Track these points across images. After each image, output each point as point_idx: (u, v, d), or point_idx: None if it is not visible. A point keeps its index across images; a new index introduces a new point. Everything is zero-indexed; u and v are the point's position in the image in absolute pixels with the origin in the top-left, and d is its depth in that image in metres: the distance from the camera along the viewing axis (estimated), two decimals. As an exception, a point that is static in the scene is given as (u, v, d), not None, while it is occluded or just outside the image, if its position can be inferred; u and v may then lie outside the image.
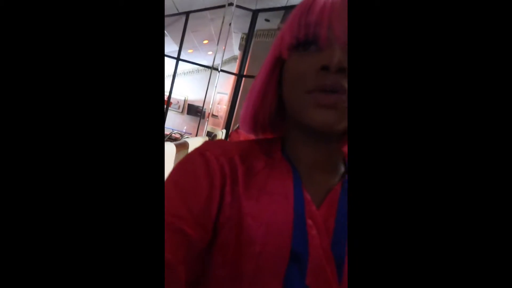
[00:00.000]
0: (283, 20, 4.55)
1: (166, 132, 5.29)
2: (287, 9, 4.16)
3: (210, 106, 6.09)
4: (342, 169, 0.40)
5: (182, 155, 1.30)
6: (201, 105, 4.91)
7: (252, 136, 0.42)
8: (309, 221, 0.34)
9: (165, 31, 5.25)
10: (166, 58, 4.76)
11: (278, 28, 4.80)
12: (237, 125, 3.57)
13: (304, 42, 0.33)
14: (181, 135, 5.02)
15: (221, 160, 0.35)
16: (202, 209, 0.32)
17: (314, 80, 0.32)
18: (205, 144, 0.37)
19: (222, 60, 4.86)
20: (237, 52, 6.25)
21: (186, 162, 0.35)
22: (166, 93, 5.36)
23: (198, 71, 7.37)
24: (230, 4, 3.87)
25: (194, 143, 1.73)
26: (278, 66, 0.37)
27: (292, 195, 0.35)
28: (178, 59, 5.04)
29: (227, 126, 5.07)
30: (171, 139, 5.70)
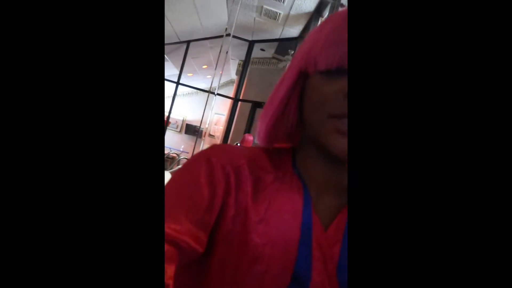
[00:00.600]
0: (277, 50, 4.89)
1: (165, 151, 5.51)
2: (281, 40, 4.49)
3: (207, 126, 6.34)
4: None
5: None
6: (199, 124, 5.15)
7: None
8: (315, 244, 0.32)
9: (166, 57, 5.56)
10: (166, 82, 5.05)
11: (273, 57, 5.14)
12: (236, 143, 3.77)
13: (336, 69, 0.31)
14: (178, 155, 5.22)
15: (227, 168, 0.33)
16: (200, 219, 0.31)
17: (338, 106, 0.30)
18: (212, 148, 0.36)
19: (219, 84, 5.16)
20: (234, 76, 6.58)
21: (190, 167, 0.34)
22: (166, 113, 5.61)
23: (197, 93, 7.66)
24: (228, 35, 4.19)
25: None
26: (301, 79, 0.35)
27: (301, 214, 0.33)
28: (177, 83, 5.33)
29: (223, 146, 5.30)
30: (169, 158, 5.89)
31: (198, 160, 0.34)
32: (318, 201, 0.35)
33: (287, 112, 0.36)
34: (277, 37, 4.42)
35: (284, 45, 4.62)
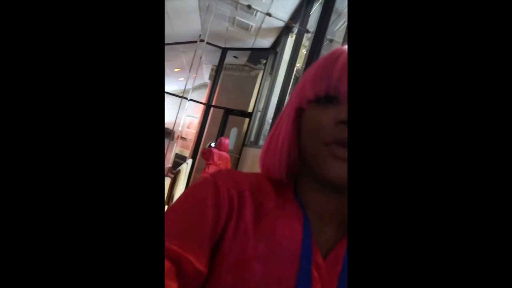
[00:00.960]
0: (249, 58, 4.98)
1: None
2: (253, 50, 4.59)
3: (180, 129, 6.31)
4: None
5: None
6: (171, 127, 5.12)
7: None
8: (315, 273, 0.32)
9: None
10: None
11: (245, 65, 5.23)
12: (210, 143, 3.79)
13: (325, 97, 0.33)
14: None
15: (232, 192, 0.34)
16: (205, 240, 0.31)
17: (333, 133, 0.32)
18: (218, 172, 0.37)
19: (192, 87, 5.16)
20: (207, 80, 6.59)
21: (196, 188, 0.35)
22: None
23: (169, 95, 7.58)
24: (202, 41, 4.22)
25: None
26: (298, 115, 0.37)
27: (301, 242, 0.34)
28: (149, 86, 5.26)
29: (195, 149, 5.32)
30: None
31: (205, 182, 0.35)
32: (317, 230, 0.36)
33: (291, 148, 0.38)
34: (250, 46, 4.52)
35: (256, 54, 4.72)
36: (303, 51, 3.05)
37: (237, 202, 0.34)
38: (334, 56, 0.34)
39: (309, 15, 2.93)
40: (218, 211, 0.32)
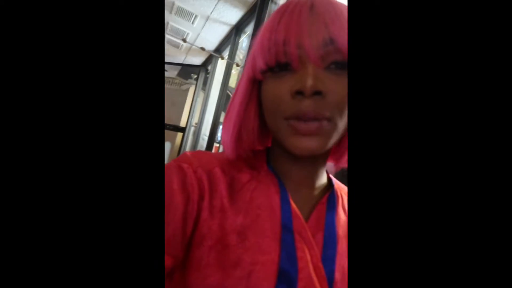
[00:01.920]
0: (180, 73, 5.08)
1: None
2: (184, 65, 4.71)
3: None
4: (326, 183, 0.40)
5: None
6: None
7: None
8: (297, 235, 0.32)
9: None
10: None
11: (176, 78, 5.29)
12: None
13: (276, 65, 0.31)
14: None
15: (199, 172, 0.33)
16: (178, 228, 0.30)
17: (291, 106, 0.30)
18: (182, 155, 0.35)
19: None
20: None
21: None
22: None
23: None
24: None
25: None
26: (255, 86, 0.35)
27: (279, 208, 0.33)
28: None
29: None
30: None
31: (169, 168, 0.33)
32: (295, 195, 0.36)
33: (249, 119, 0.36)
34: (180, 62, 4.63)
35: (187, 69, 4.84)
36: (235, 72, 3.32)
37: (207, 181, 0.33)
38: (277, 17, 0.32)
39: (237, 47, 3.20)
40: (187, 194, 0.31)
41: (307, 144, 0.31)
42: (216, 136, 3.25)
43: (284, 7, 0.32)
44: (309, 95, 0.29)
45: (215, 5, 2.81)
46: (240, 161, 0.37)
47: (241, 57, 3.27)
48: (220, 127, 3.46)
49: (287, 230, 0.32)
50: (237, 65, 3.07)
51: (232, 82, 3.38)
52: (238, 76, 3.06)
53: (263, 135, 0.38)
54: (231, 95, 3.52)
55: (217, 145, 3.42)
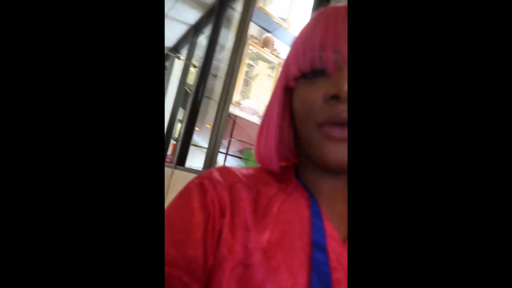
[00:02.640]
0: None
1: None
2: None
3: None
4: None
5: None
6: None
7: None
8: (332, 256, 0.29)
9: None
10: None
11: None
12: None
13: (311, 71, 0.30)
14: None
15: (219, 188, 0.32)
16: (198, 249, 0.28)
17: (325, 111, 0.29)
18: (207, 171, 0.34)
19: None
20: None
21: (182, 195, 0.32)
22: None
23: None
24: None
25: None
26: (287, 95, 0.35)
27: (309, 224, 0.31)
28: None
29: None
30: None
31: (190, 186, 0.32)
32: (330, 212, 0.33)
33: (285, 130, 0.35)
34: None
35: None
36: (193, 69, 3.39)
37: (228, 197, 0.31)
38: (313, 23, 0.32)
39: (195, 46, 3.25)
40: (207, 212, 0.30)
41: (338, 153, 0.29)
42: (173, 133, 3.29)
43: (320, 13, 0.32)
44: (345, 99, 0.28)
45: (174, 4, 2.87)
46: (266, 175, 0.36)
47: (198, 57, 3.35)
48: (178, 124, 3.48)
49: (319, 249, 0.29)
50: (194, 67, 3.13)
51: (190, 79, 3.44)
52: (196, 73, 3.06)
53: (295, 148, 0.37)
54: (189, 91, 3.55)
55: (174, 142, 3.46)
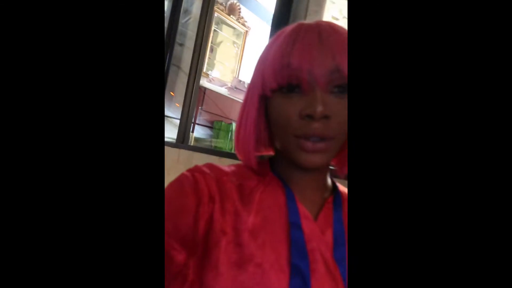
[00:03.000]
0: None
1: None
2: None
3: None
4: (330, 186, 0.42)
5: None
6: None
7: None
8: (307, 230, 0.35)
9: None
10: None
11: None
12: None
13: (287, 86, 0.34)
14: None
15: (208, 179, 0.37)
16: (190, 226, 0.33)
17: (300, 127, 0.34)
18: (195, 167, 0.39)
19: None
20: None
21: (175, 182, 0.37)
22: None
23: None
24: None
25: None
26: (263, 102, 0.38)
27: (286, 208, 0.36)
28: None
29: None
30: None
31: (182, 176, 0.37)
32: (302, 197, 0.38)
33: (258, 132, 0.39)
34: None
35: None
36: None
37: (216, 186, 0.36)
38: (291, 40, 0.34)
39: None
40: (199, 197, 0.34)
41: (313, 160, 0.34)
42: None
43: (295, 33, 0.35)
44: (318, 119, 0.33)
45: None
46: (246, 170, 0.41)
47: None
48: None
49: (295, 227, 0.35)
50: None
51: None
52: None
53: (271, 144, 0.42)
54: None
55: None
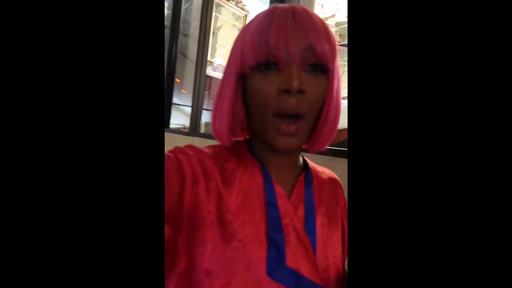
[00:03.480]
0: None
1: None
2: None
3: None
4: (302, 164, 0.46)
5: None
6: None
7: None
8: (282, 208, 0.38)
9: None
10: None
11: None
12: None
13: (265, 63, 0.35)
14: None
15: (192, 160, 0.38)
16: (174, 206, 0.34)
17: (278, 103, 0.35)
18: (175, 148, 0.40)
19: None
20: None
21: None
22: None
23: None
24: None
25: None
26: (240, 80, 0.39)
27: (263, 188, 0.39)
28: None
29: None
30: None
31: (166, 156, 0.37)
32: (277, 177, 0.42)
33: (238, 111, 0.40)
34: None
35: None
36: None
37: (200, 167, 0.38)
38: (268, 19, 0.36)
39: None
40: (182, 177, 0.36)
41: (287, 142, 0.36)
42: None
43: (271, 13, 0.36)
44: (294, 93, 0.34)
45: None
46: (225, 152, 0.42)
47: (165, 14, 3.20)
48: None
49: (272, 206, 0.38)
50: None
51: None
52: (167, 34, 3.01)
53: (247, 125, 0.42)
54: None
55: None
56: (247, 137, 0.46)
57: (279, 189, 0.40)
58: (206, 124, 2.89)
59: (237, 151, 0.43)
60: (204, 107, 2.43)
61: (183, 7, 2.74)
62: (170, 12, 2.72)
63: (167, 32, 2.64)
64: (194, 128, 2.27)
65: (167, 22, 2.89)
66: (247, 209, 0.37)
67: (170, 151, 0.39)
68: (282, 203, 0.39)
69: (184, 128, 2.82)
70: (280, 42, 0.34)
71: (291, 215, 0.38)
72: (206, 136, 1.97)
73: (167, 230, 0.34)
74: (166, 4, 3.17)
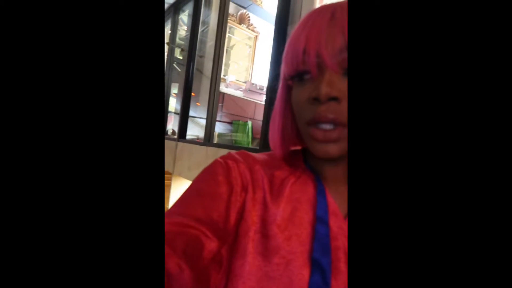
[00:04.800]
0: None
1: None
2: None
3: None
4: None
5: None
6: None
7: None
8: (334, 230, 0.34)
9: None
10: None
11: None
12: None
13: (296, 74, 0.34)
14: None
15: (242, 168, 0.36)
16: (222, 215, 0.33)
17: (308, 112, 0.33)
18: (228, 154, 0.39)
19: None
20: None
21: (208, 170, 0.37)
22: None
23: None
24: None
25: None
26: (289, 92, 0.38)
27: (314, 201, 0.35)
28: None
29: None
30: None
31: (216, 163, 0.37)
32: (335, 193, 0.37)
33: (286, 122, 0.39)
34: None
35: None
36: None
37: (249, 176, 0.36)
38: (301, 27, 0.34)
39: (177, 25, 3.33)
40: (231, 185, 0.35)
41: (326, 149, 0.33)
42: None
43: (309, 15, 0.34)
44: (325, 101, 0.31)
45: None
46: (278, 161, 0.40)
47: (183, 34, 3.51)
48: (174, 99, 3.63)
49: (321, 223, 0.34)
50: (183, 50, 3.21)
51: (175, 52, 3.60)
52: (184, 55, 3.11)
53: (297, 136, 0.40)
54: (176, 67, 3.55)
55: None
56: (298, 147, 0.43)
57: (333, 206, 0.36)
58: (219, 134, 3.10)
59: (291, 160, 0.41)
60: (217, 119, 2.65)
61: (200, 30, 3.02)
62: (188, 33, 2.98)
63: (185, 52, 2.85)
64: (208, 138, 2.48)
65: (185, 43, 3.14)
66: (295, 223, 0.34)
67: (221, 157, 0.39)
68: (335, 222, 0.35)
69: (198, 138, 3.03)
70: (310, 48, 0.32)
71: (345, 238, 0.34)
72: (219, 145, 2.16)
73: (214, 241, 0.32)
74: (184, 27, 3.48)
